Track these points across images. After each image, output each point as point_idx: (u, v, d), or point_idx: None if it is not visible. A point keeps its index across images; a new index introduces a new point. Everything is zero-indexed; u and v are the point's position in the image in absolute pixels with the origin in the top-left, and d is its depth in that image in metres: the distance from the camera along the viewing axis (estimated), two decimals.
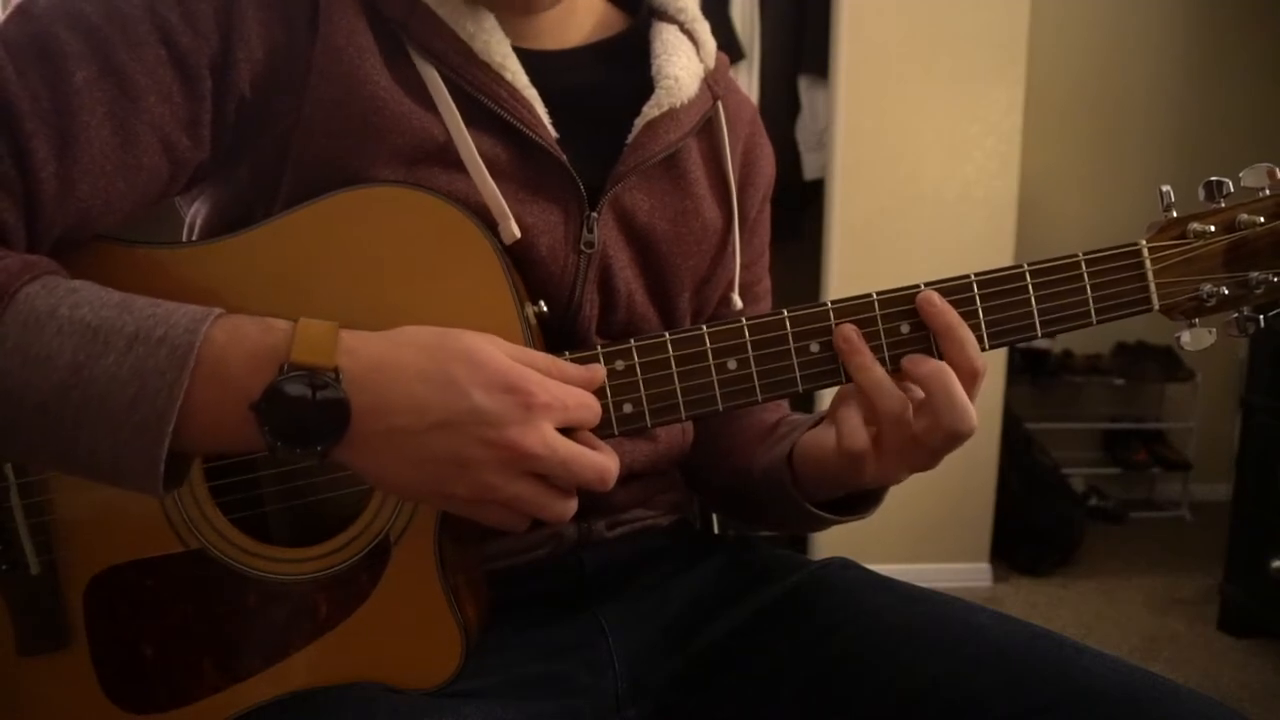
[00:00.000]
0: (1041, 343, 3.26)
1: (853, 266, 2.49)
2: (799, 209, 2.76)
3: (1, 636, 0.63)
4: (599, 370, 0.61)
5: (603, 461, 0.58)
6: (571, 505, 0.59)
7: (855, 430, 0.64)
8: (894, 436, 0.63)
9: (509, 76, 0.67)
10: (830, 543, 2.55)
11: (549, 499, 0.58)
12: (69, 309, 0.53)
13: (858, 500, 0.73)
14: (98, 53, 0.58)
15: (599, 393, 0.61)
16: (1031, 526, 2.77)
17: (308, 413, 0.53)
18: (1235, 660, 2.26)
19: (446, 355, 0.55)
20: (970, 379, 0.62)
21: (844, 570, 0.76)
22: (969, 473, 2.58)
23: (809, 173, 2.73)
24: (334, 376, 0.54)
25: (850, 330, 0.63)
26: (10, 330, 0.52)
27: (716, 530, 0.94)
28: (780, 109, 2.70)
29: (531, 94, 0.68)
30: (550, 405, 0.56)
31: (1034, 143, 2.89)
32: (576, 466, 0.57)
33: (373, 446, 0.55)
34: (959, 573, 2.63)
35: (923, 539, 2.61)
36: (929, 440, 0.62)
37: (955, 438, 0.62)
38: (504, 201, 0.65)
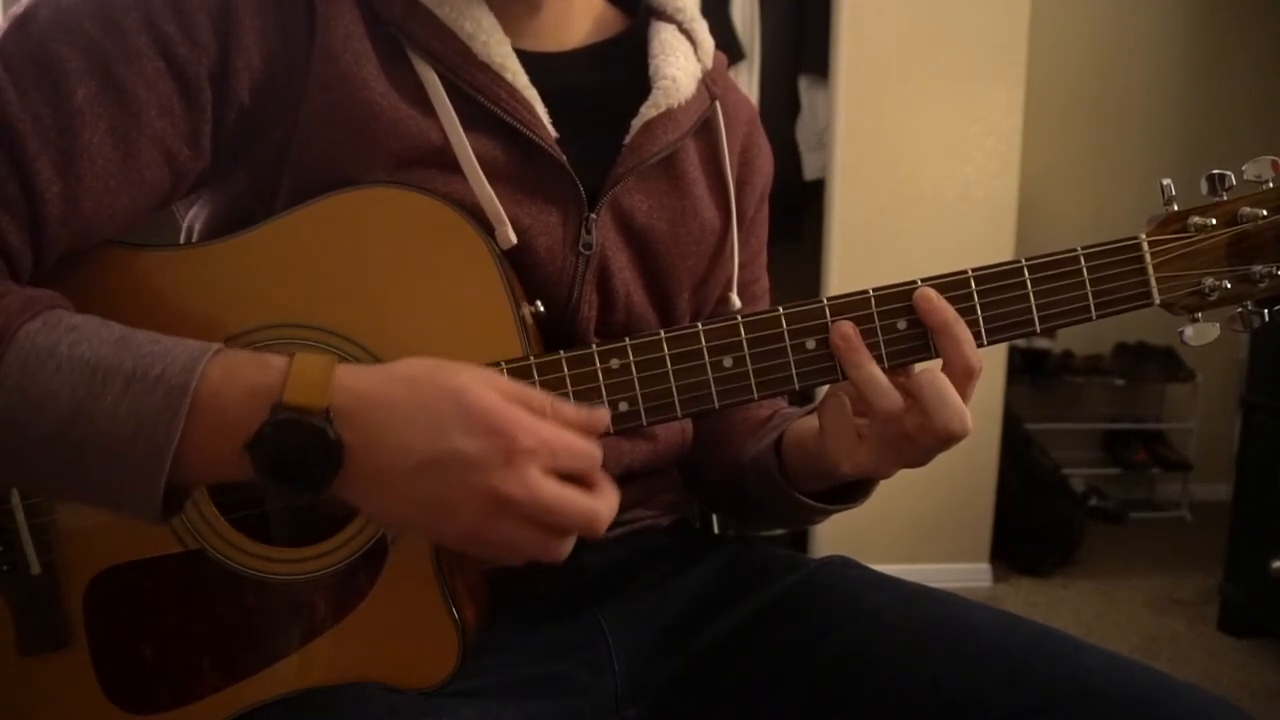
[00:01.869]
0: (1041, 343, 3.26)
1: (853, 267, 2.49)
2: (799, 209, 2.76)
3: (2, 636, 0.63)
4: (601, 414, 0.57)
5: (590, 508, 0.54)
6: (566, 546, 0.56)
7: (843, 423, 0.65)
8: (887, 433, 0.63)
9: (509, 77, 0.67)
10: (830, 542, 2.55)
11: (541, 539, 0.55)
12: (68, 347, 0.53)
13: (849, 489, 0.73)
14: (97, 68, 0.58)
15: (594, 391, 0.61)
16: (1031, 526, 2.77)
17: (297, 454, 0.52)
18: (1235, 660, 2.26)
19: (435, 393, 0.53)
20: (965, 376, 0.62)
21: (844, 569, 0.76)
22: (969, 473, 2.58)
23: (809, 173, 2.73)
24: (325, 417, 0.52)
25: (848, 327, 0.63)
26: (11, 370, 0.52)
27: (716, 530, 0.94)
28: (780, 109, 2.70)
29: (532, 94, 0.68)
30: (534, 450, 0.53)
31: (1034, 143, 2.89)
32: (559, 515, 0.53)
33: (365, 483, 0.54)
34: (959, 573, 2.62)
35: (923, 539, 2.61)
36: (921, 439, 0.62)
37: (948, 439, 0.62)
38: (500, 206, 0.65)
